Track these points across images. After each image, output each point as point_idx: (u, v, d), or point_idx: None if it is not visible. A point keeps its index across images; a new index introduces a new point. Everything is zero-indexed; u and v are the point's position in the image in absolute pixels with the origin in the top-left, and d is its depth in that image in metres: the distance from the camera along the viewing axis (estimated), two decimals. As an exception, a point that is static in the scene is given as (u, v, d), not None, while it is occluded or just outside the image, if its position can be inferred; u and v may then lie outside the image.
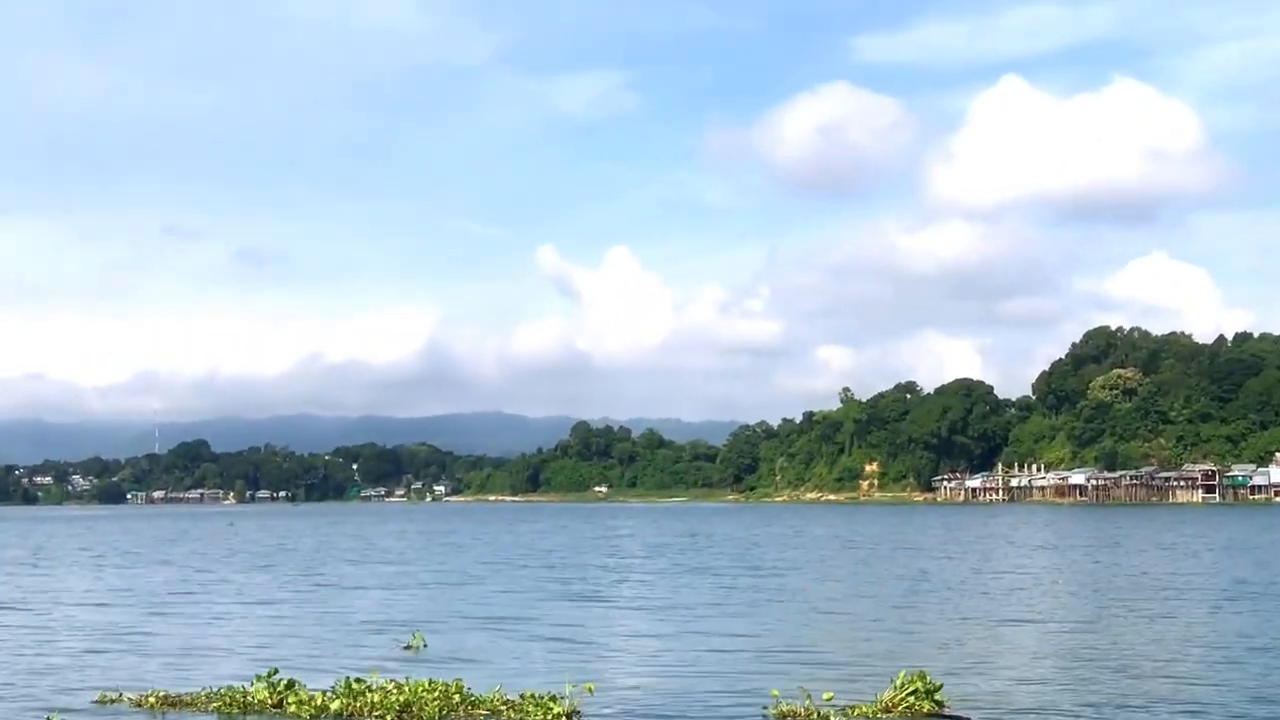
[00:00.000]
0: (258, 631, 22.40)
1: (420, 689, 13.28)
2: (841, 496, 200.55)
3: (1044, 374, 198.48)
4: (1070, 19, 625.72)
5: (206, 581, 34.92)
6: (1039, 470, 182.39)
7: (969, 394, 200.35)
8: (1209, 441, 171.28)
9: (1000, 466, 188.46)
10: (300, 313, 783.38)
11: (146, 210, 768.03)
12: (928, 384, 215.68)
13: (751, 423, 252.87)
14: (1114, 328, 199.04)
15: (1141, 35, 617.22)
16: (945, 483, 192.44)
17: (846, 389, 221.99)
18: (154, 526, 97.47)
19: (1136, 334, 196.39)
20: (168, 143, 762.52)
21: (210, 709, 13.65)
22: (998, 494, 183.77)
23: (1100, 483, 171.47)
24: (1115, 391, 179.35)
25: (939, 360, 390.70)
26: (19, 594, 31.47)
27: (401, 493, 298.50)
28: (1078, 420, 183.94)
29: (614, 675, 16.52)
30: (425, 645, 19.00)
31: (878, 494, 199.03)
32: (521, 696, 13.24)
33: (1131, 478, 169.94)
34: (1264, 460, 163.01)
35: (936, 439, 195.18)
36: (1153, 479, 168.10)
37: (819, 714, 12.89)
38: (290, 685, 13.80)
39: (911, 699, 13.06)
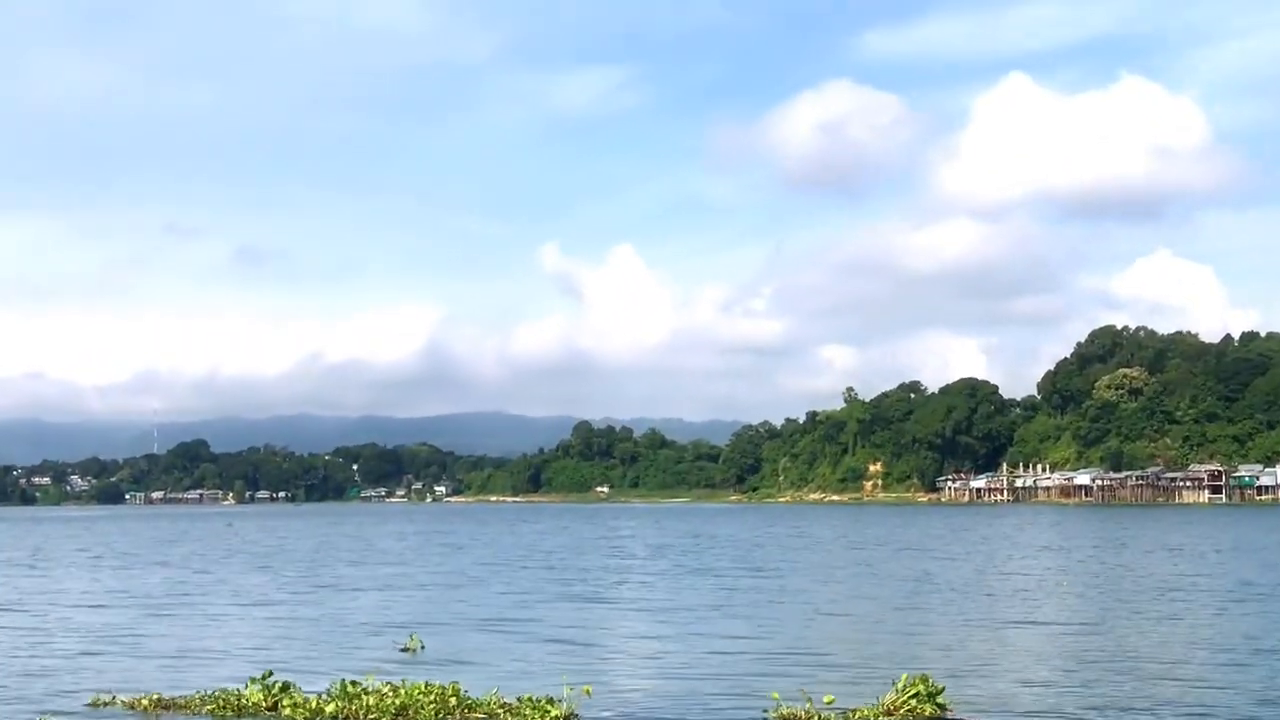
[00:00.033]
0: (255, 633, 22.34)
1: (416, 691, 13.21)
2: (845, 497, 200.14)
3: (1049, 373, 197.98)
4: (1076, 15, 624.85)
5: (204, 583, 34.90)
6: (1044, 470, 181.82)
7: (973, 393, 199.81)
8: (1215, 441, 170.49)
9: (1005, 467, 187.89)
10: (300, 312, 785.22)
11: (147, 209, 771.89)
12: (932, 383, 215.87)
13: (754, 423, 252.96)
14: (1120, 327, 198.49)
15: (1148, 32, 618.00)
16: (949, 483, 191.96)
17: (850, 389, 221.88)
18: (152, 527, 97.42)
19: (1142, 333, 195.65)
20: (168, 141, 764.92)
21: (204, 712, 13.56)
22: (1002, 494, 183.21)
23: (1106, 483, 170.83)
24: (1121, 391, 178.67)
25: (943, 359, 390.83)
26: (15, 595, 31.45)
27: (402, 493, 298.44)
28: (1083, 420, 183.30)
29: (613, 677, 16.43)
30: (423, 647, 18.94)
31: (881, 495, 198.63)
32: (518, 699, 13.17)
33: (1137, 478, 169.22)
34: (1271, 460, 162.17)
35: (941, 439, 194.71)
36: (1159, 479, 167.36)
37: (819, 717, 12.78)
38: (285, 688, 13.72)
39: (913, 702, 12.94)
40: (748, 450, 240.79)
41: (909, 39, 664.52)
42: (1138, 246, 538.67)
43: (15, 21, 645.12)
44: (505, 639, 20.82)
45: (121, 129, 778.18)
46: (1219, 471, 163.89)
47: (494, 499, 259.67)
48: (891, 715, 12.93)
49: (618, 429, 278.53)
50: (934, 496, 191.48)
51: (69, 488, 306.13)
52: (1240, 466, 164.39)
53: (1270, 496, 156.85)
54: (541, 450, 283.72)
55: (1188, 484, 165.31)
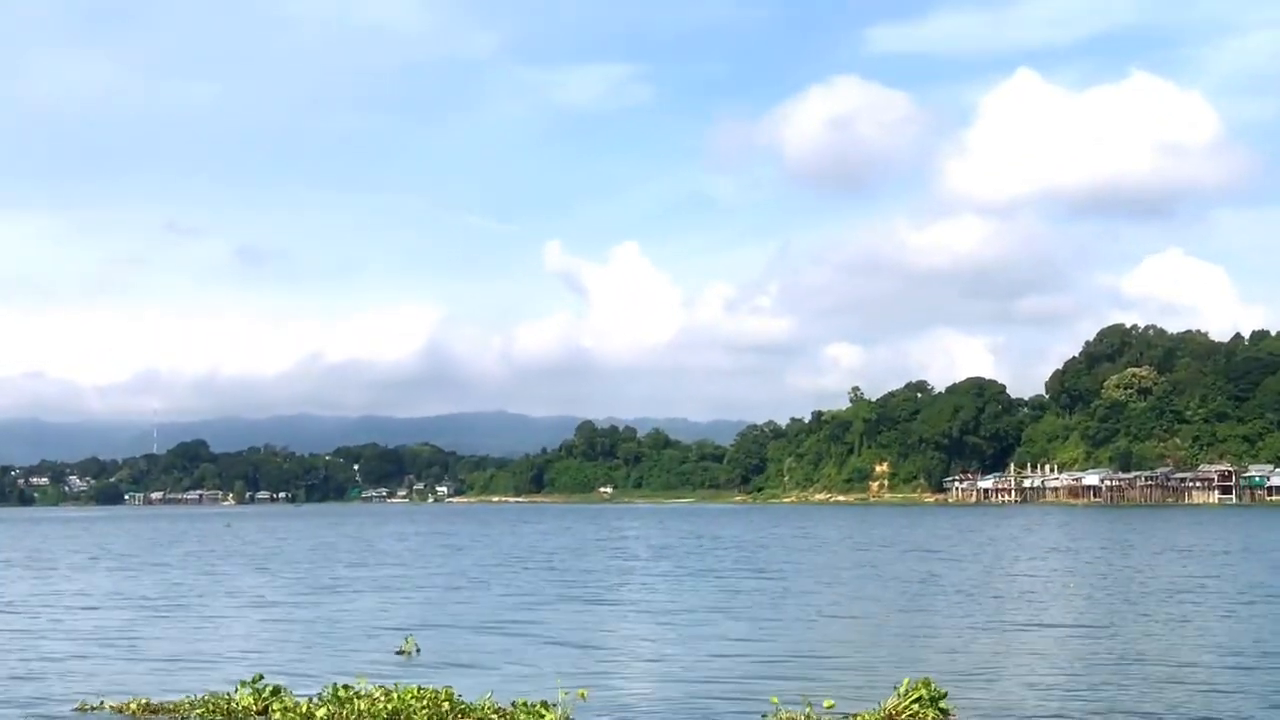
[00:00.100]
0: (250, 635, 22.15)
1: (409, 696, 13.02)
2: (851, 498, 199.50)
3: (1057, 373, 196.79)
4: (1085, 11, 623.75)
5: (200, 584, 34.71)
6: (1052, 471, 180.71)
7: (981, 393, 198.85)
8: (1225, 441, 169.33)
9: (1013, 467, 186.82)
10: (301, 311, 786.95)
11: (147, 208, 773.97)
12: (939, 383, 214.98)
13: (759, 422, 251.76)
14: (1129, 326, 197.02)
15: (1158, 27, 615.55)
16: (956, 483, 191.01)
17: (856, 388, 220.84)
18: (150, 528, 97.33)
19: (1152, 332, 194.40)
20: (168, 140, 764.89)
21: (193, 716, 13.36)
22: (1010, 495, 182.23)
23: (1114, 484, 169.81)
24: (1130, 390, 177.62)
25: (950, 358, 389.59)
26: (9, 597, 31.30)
27: (403, 494, 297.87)
28: (1092, 420, 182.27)
29: (612, 681, 16.23)
30: (418, 650, 18.77)
31: (888, 495, 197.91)
32: (513, 704, 12.97)
33: (1146, 478, 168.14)
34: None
35: (948, 439, 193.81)
36: (1168, 480, 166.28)
37: (818, 722, 12.54)
38: (276, 691, 13.53)
39: (916, 707, 12.71)
40: (752, 450, 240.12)
41: (916, 35, 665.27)
42: (1147, 244, 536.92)
43: (16, 20, 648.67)
44: (504, 641, 20.62)
45: (121, 128, 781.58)
46: (1229, 472, 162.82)
47: (496, 499, 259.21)
48: (893, 720, 12.65)
49: (621, 429, 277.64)
50: (941, 497, 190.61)
51: (68, 488, 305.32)
52: (1250, 467, 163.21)
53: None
54: (544, 450, 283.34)
55: (1197, 484, 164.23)
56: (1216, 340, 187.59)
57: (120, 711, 13.77)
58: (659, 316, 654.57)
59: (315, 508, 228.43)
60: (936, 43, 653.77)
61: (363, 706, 12.83)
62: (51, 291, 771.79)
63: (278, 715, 12.93)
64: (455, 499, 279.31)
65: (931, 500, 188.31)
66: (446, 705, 12.87)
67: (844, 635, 21.77)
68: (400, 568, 42.06)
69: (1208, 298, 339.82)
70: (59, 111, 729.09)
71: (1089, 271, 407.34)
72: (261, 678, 13.87)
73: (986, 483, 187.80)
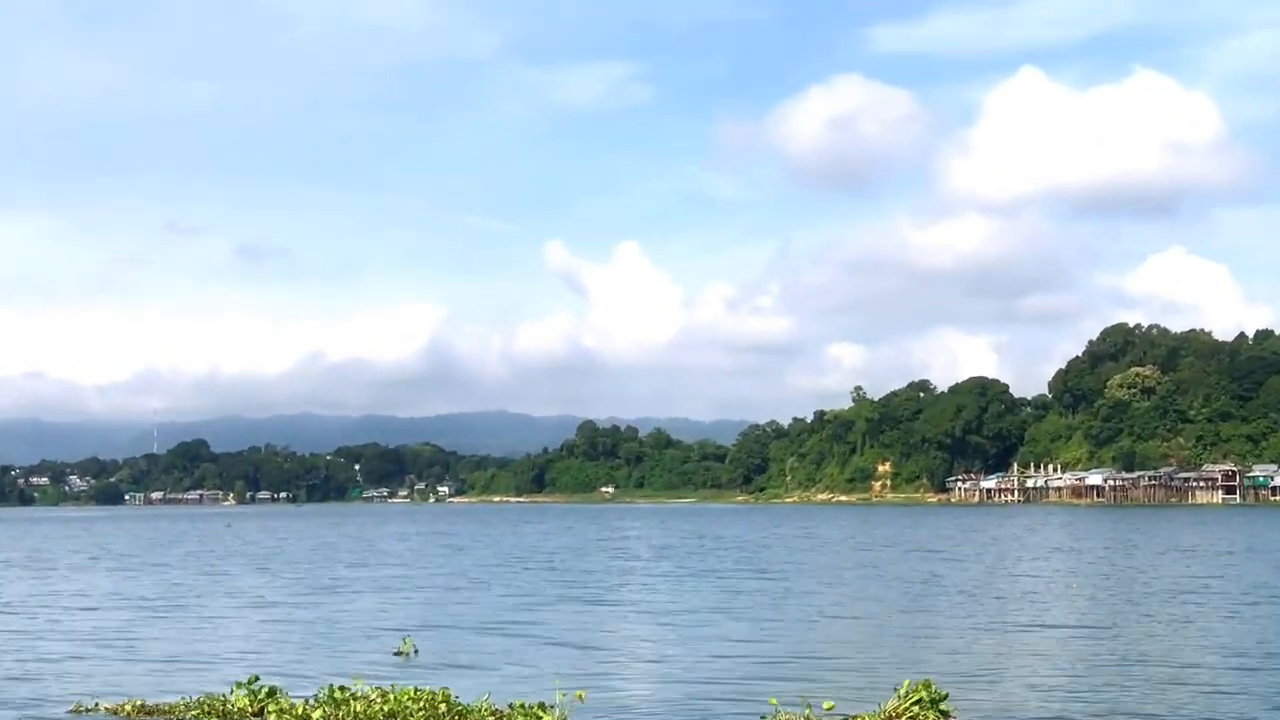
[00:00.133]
0: (249, 636, 22.06)
1: (405, 698, 12.93)
2: (853, 498, 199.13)
3: (1060, 372, 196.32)
4: (1089, 9, 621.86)
5: (200, 585, 34.64)
6: (1055, 471, 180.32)
7: (984, 392, 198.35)
8: (1229, 441, 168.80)
9: (1016, 467, 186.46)
10: (302, 310, 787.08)
11: (147, 207, 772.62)
12: (942, 382, 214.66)
13: (761, 422, 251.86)
14: (1132, 325, 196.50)
15: (1162, 26, 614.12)
16: (959, 483, 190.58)
17: (858, 387, 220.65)
18: (150, 528, 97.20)
19: (1155, 331, 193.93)
20: (168, 139, 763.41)
21: (188, 718, 13.27)
22: (1013, 495, 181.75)
23: (1118, 483, 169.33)
24: (1133, 390, 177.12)
25: (953, 358, 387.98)
26: (7, 597, 31.23)
27: (404, 493, 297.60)
28: (1095, 419, 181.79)
29: (611, 682, 16.15)
30: (416, 651, 18.66)
31: (890, 495, 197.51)
32: (510, 706, 12.88)
33: (1150, 478, 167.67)
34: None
35: (950, 439, 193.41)
36: (1171, 480, 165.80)
37: (818, 725, 12.43)
38: (272, 693, 13.45)
39: (916, 709, 12.57)
40: (754, 450, 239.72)
41: (919, 33, 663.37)
42: (1151, 243, 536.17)
43: (16, 19, 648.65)
44: (503, 642, 20.51)
45: (122, 127, 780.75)
46: (1233, 472, 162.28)
47: (497, 499, 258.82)
48: (892, 722, 12.54)
49: (623, 428, 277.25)
50: (943, 497, 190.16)
51: (68, 488, 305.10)
52: (1255, 467, 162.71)
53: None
54: (545, 450, 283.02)
55: (1201, 484, 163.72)
56: (1220, 339, 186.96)
57: (115, 713, 13.70)
58: (660, 316, 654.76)
59: (316, 508, 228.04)
60: (939, 41, 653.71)
61: (359, 708, 12.73)
62: (51, 291, 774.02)
63: (273, 717, 12.85)
64: (456, 499, 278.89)
65: (934, 500, 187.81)
66: (443, 707, 12.77)
67: (845, 636, 21.64)
68: (401, 568, 41.93)
69: (1211, 297, 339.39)
70: (59, 111, 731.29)
71: (1092, 270, 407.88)
72: (257, 679, 13.78)
73: (989, 483, 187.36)
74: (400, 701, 12.80)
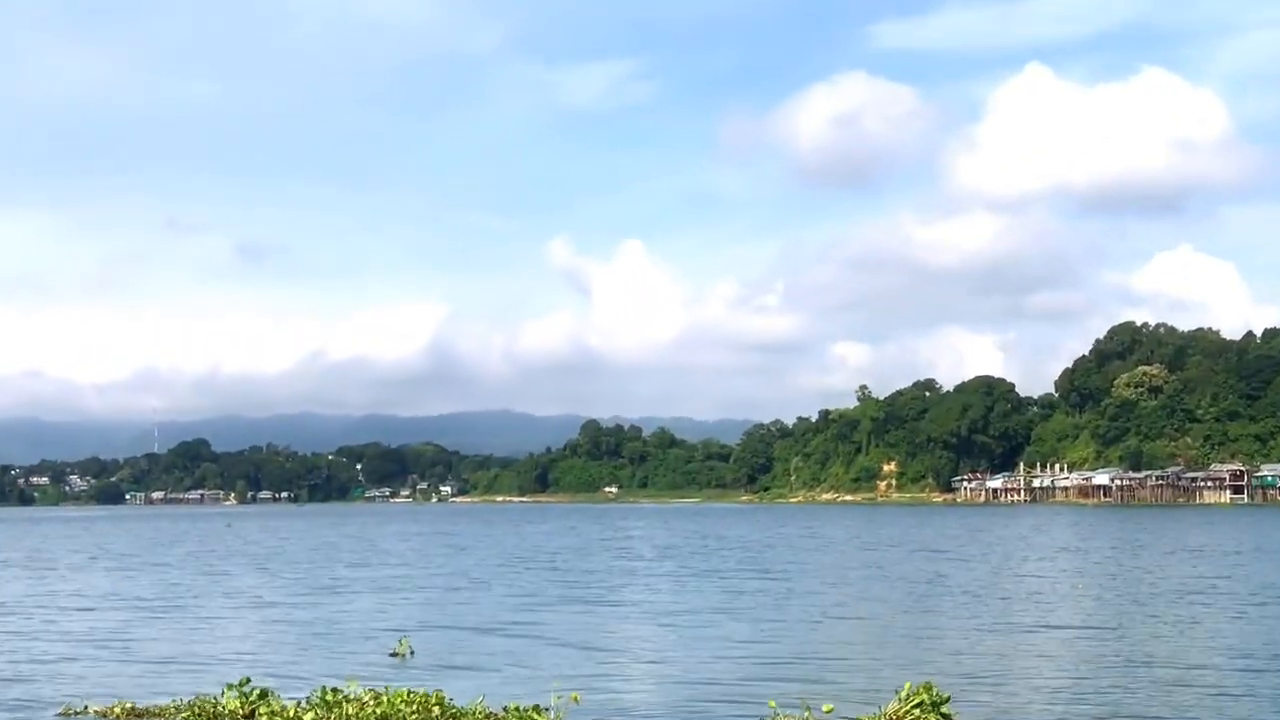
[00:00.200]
0: (246, 637, 21.90)
1: (399, 700, 12.80)
2: (858, 497, 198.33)
3: (1067, 371, 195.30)
4: (1096, 6, 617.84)
5: (198, 585, 34.44)
6: (1062, 470, 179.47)
7: (990, 391, 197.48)
8: (1237, 440, 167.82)
9: (1022, 466, 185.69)
10: (303, 308, 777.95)
11: (147, 204, 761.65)
12: (947, 381, 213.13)
13: (766, 421, 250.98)
14: (1139, 323, 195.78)
15: (1169, 23, 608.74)
16: (965, 483, 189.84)
17: (864, 386, 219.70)
18: (150, 528, 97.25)
19: (1162, 330, 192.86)
20: (169, 136, 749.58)
21: None
22: (1019, 495, 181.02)
23: (1125, 483, 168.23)
24: (1140, 389, 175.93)
25: (959, 357, 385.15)
26: (4, 597, 31.07)
27: (407, 493, 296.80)
28: (1102, 419, 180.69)
29: (609, 684, 15.97)
30: (412, 652, 18.52)
31: (896, 495, 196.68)
32: (504, 709, 12.70)
33: (1157, 478, 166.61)
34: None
35: (956, 438, 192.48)
36: (1179, 479, 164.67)
37: (817, 728, 12.23)
38: (263, 695, 13.28)
39: (917, 712, 12.37)
40: (759, 449, 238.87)
41: (924, 29, 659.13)
42: (1158, 241, 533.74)
43: (14, 15, 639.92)
44: (502, 643, 20.29)
45: (121, 124, 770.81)
46: (1241, 471, 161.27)
47: (500, 499, 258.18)
48: (893, 726, 12.32)
49: (626, 428, 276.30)
50: (949, 497, 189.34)
51: (68, 488, 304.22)
52: (1263, 466, 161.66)
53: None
54: (549, 449, 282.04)
55: (1209, 484, 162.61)
56: (1228, 338, 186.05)
57: (104, 715, 13.57)
58: (664, 314, 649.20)
59: (318, 508, 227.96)
60: (944, 38, 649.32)
61: (351, 711, 12.57)
62: (51, 289, 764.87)
63: (264, 719, 12.62)
64: (459, 499, 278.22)
65: (940, 500, 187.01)
66: (437, 710, 12.61)
67: (848, 637, 21.40)
68: (401, 568, 41.67)
69: (1219, 295, 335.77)
70: (58, 108, 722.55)
71: (1099, 268, 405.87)
72: (249, 681, 13.57)
73: (995, 482, 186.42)
74: (393, 704, 12.65)
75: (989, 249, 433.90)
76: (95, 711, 13.78)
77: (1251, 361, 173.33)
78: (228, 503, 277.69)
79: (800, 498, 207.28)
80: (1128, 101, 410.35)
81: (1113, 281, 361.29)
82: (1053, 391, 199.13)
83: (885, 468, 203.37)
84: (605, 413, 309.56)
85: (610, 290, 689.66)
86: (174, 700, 13.69)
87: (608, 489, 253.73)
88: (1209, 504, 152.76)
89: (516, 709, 12.60)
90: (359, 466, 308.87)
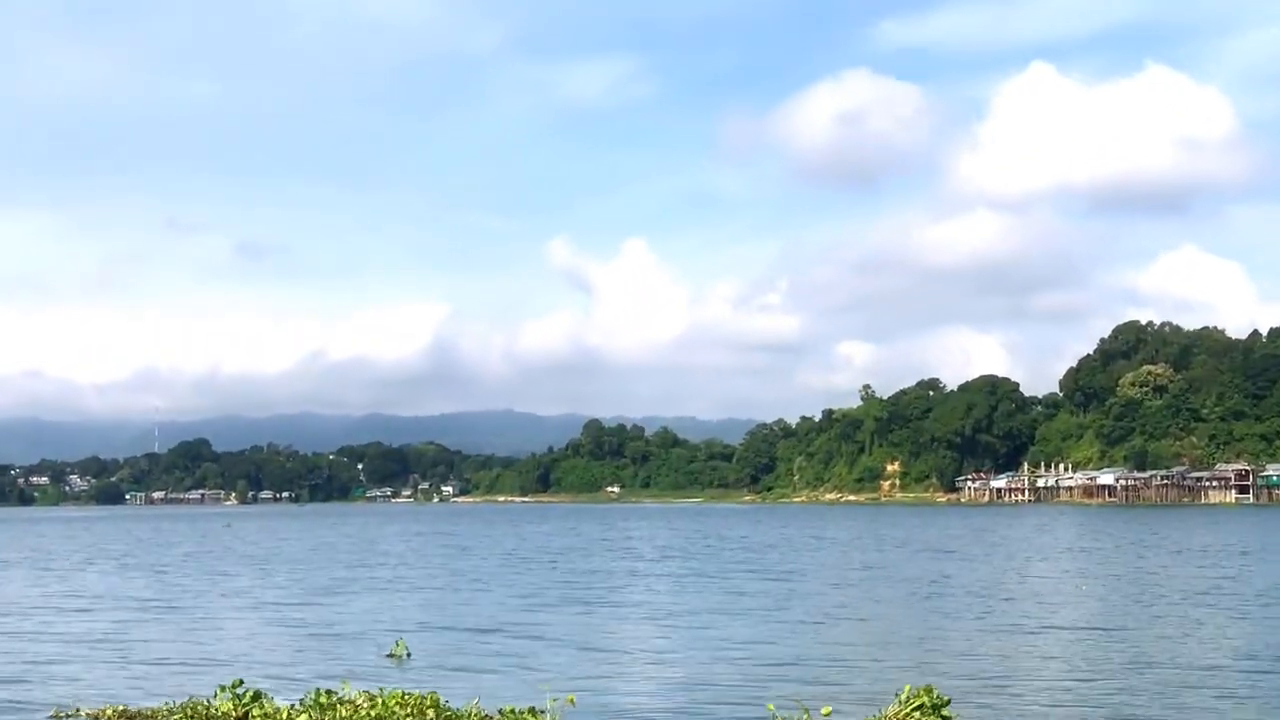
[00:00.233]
0: (243, 638, 21.80)
1: (393, 702, 12.61)
2: (862, 497, 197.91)
3: (1071, 370, 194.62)
4: (1099, 3, 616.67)
5: (195, 586, 34.33)
6: (1066, 470, 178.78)
7: (994, 391, 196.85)
8: (1242, 440, 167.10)
9: (1026, 466, 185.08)
10: (303, 308, 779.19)
11: (147, 204, 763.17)
12: (951, 381, 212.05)
13: (769, 421, 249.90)
14: (1144, 323, 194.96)
15: (1173, 20, 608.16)
16: (969, 483, 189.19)
17: (867, 386, 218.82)
18: (150, 528, 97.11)
19: (1167, 329, 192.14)
20: (169, 136, 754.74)
21: None
22: (1023, 495, 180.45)
23: (1130, 483, 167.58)
24: (1145, 388, 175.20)
25: (963, 356, 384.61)
26: (1, 599, 30.98)
27: (408, 493, 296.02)
28: (1106, 418, 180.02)
29: (608, 685, 15.85)
30: (409, 654, 18.42)
31: (899, 495, 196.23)
32: (500, 711, 12.50)
33: (1162, 478, 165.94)
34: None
35: (960, 438, 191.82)
36: (1184, 479, 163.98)
37: (815, 732, 12.13)
38: (256, 697, 13.07)
39: (917, 714, 12.05)
40: (762, 449, 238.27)
41: (928, 28, 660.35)
42: (1163, 240, 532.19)
43: (14, 15, 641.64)
44: (501, 644, 20.17)
45: (121, 124, 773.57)
46: (1246, 471, 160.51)
47: (502, 499, 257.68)
48: (892, 729, 12.21)
49: (629, 427, 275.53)
50: (953, 497, 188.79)
51: (68, 488, 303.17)
52: (1268, 466, 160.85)
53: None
54: (551, 449, 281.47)
55: (1214, 484, 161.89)
56: (1233, 337, 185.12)
57: (96, 718, 13.41)
58: (667, 314, 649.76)
59: (318, 508, 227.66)
60: (947, 36, 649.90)
61: (344, 713, 12.39)
62: (51, 289, 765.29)
63: None
64: (461, 499, 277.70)
65: (944, 500, 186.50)
66: (431, 712, 12.42)
67: (849, 638, 21.21)
68: (401, 569, 41.54)
69: (1224, 294, 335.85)
70: (58, 108, 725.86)
71: (1104, 268, 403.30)
72: (241, 682, 13.37)
73: (1000, 482, 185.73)
74: (388, 706, 12.46)
75: (993, 248, 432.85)
76: (87, 714, 13.66)
77: (1257, 361, 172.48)
78: (228, 503, 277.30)
79: (803, 498, 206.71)
80: (1132, 100, 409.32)
81: (1117, 281, 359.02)
82: (1057, 391, 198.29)
83: (889, 468, 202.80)
84: (607, 412, 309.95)
85: (612, 290, 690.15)
86: (166, 703, 13.50)
87: (610, 489, 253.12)
88: (1214, 504, 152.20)
89: (512, 711, 12.45)
90: (360, 466, 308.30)
